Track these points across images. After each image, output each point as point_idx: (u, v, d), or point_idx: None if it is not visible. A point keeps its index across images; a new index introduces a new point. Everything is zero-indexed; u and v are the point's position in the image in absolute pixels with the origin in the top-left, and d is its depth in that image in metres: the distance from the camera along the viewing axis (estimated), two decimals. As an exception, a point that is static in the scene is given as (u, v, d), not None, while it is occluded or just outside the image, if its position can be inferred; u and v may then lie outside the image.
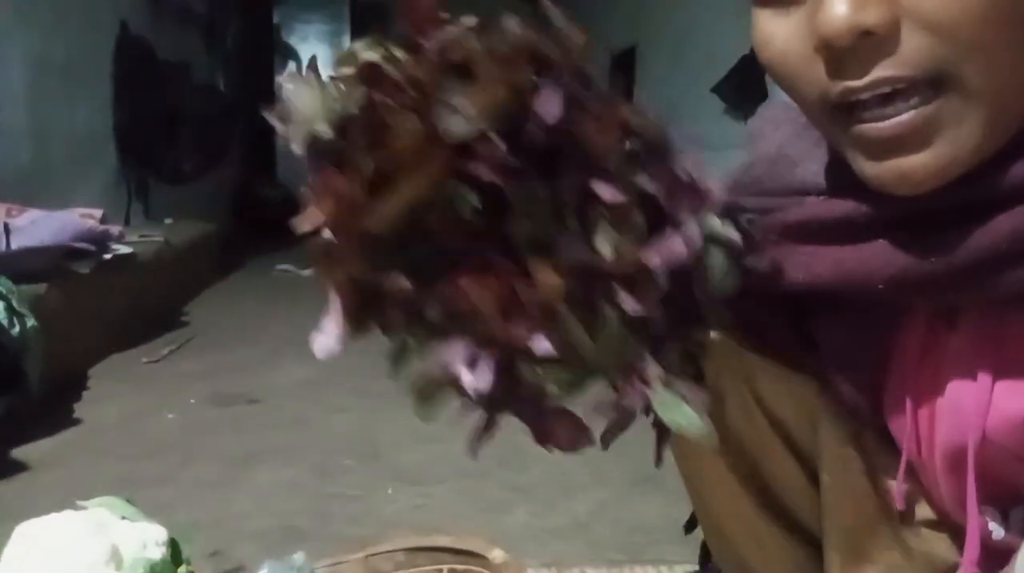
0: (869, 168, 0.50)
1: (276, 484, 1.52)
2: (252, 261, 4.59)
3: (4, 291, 1.80)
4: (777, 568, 0.70)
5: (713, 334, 0.53)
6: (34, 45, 2.90)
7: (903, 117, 0.46)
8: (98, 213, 2.51)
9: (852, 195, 0.53)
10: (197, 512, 1.37)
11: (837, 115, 0.49)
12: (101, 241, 2.43)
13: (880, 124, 0.47)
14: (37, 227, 2.17)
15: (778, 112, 0.68)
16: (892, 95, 0.46)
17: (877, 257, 0.52)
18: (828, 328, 0.60)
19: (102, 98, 3.53)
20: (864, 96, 0.47)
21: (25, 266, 2.04)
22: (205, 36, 4.92)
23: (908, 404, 0.58)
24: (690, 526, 0.80)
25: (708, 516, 0.74)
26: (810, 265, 0.55)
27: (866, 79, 0.46)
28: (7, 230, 2.13)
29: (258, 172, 6.22)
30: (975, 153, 0.47)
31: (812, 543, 0.68)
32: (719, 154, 0.84)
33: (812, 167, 0.59)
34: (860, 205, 0.53)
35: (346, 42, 6.87)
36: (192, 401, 2.05)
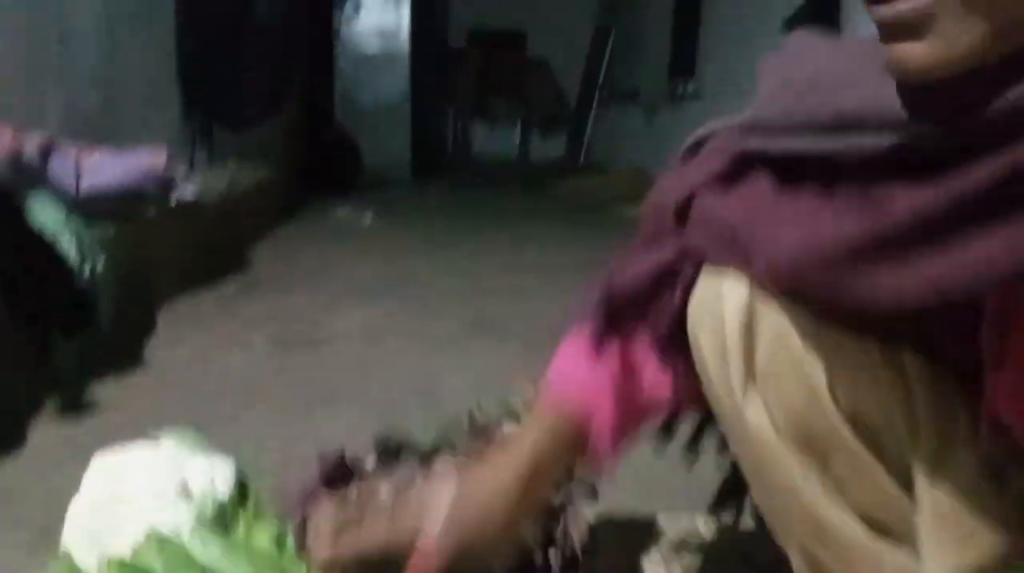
0: (885, 51, 0.49)
1: (339, 427, 1.53)
2: (312, 204, 4.64)
3: (75, 231, 1.83)
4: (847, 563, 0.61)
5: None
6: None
7: (901, 6, 0.46)
8: (164, 154, 2.53)
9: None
10: (261, 453, 1.39)
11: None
12: (167, 184, 2.46)
13: (883, 8, 0.47)
14: (108, 167, 2.20)
15: (809, 38, 0.63)
16: None
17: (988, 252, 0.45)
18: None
19: (168, 42, 3.56)
20: None
21: (96, 207, 2.08)
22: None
23: None
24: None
25: (769, 502, 0.66)
26: (898, 285, 0.49)
27: None
28: (78, 171, 2.17)
29: (317, 114, 6.23)
30: (970, 55, 0.45)
31: (888, 535, 0.60)
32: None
33: (867, 91, 0.52)
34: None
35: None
36: (256, 343, 2.09)
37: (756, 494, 0.68)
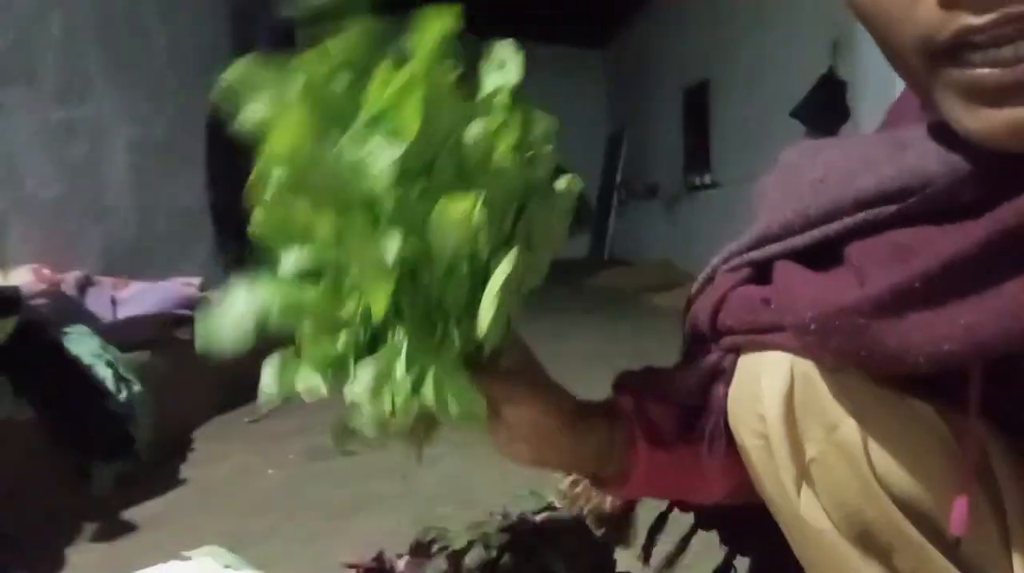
0: (972, 119, 0.43)
1: (377, 534, 1.51)
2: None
3: (111, 359, 1.88)
4: None
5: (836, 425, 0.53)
6: (135, 130, 3.10)
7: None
8: (196, 281, 2.61)
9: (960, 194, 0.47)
10: (302, 565, 1.38)
11: (939, 61, 0.43)
12: (201, 309, 2.52)
13: (998, 70, 0.41)
14: (142, 297, 2.27)
15: (801, 150, 0.63)
16: (1013, 35, 0.40)
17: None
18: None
19: (199, 175, 3.73)
20: (979, 38, 0.41)
21: (131, 335, 2.14)
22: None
23: None
24: None
25: None
26: (930, 336, 0.45)
27: (989, 16, 0.40)
28: (114, 302, 2.24)
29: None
30: None
31: None
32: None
33: (885, 172, 0.51)
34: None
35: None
36: (291, 457, 2.09)
37: None
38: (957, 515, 0.51)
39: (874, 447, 0.53)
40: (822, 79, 3.98)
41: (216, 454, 2.14)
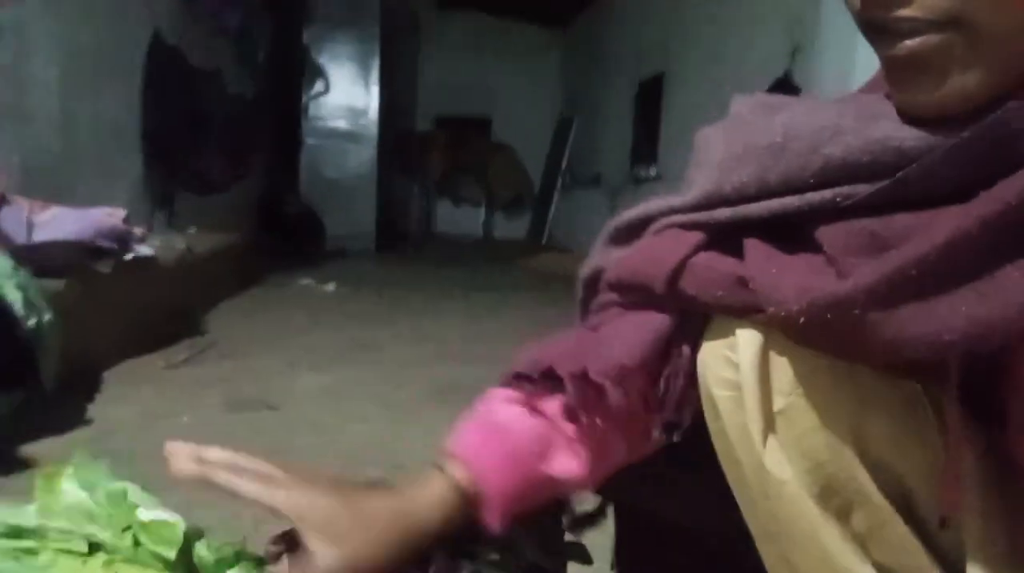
0: (890, 89, 0.50)
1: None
2: (273, 273, 4.56)
3: (22, 282, 1.75)
4: None
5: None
6: (64, 35, 2.89)
7: (912, 42, 0.47)
8: (121, 213, 2.47)
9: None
10: (210, 518, 1.30)
11: (871, 34, 0.50)
12: (123, 240, 2.39)
13: (893, 49, 0.48)
14: (60, 222, 2.13)
15: (756, 105, 0.61)
16: (905, 31, 0.47)
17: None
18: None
19: (131, 90, 3.53)
20: (887, 25, 0.48)
21: (46, 260, 2.00)
22: (236, 47, 4.94)
23: None
24: None
25: (787, 556, 0.60)
26: (930, 327, 0.45)
27: (889, 15, 0.47)
28: (30, 224, 2.09)
29: (281, 186, 6.22)
30: (982, 91, 0.46)
31: None
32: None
33: (856, 141, 0.50)
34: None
35: (375, 63, 6.90)
36: (208, 406, 1.99)
37: (768, 552, 0.61)
38: (948, 497, 0.51)
39: (851, 405, 0.53)
40: (777, 83, 4.02)
41: (126, 396, 2.03)
